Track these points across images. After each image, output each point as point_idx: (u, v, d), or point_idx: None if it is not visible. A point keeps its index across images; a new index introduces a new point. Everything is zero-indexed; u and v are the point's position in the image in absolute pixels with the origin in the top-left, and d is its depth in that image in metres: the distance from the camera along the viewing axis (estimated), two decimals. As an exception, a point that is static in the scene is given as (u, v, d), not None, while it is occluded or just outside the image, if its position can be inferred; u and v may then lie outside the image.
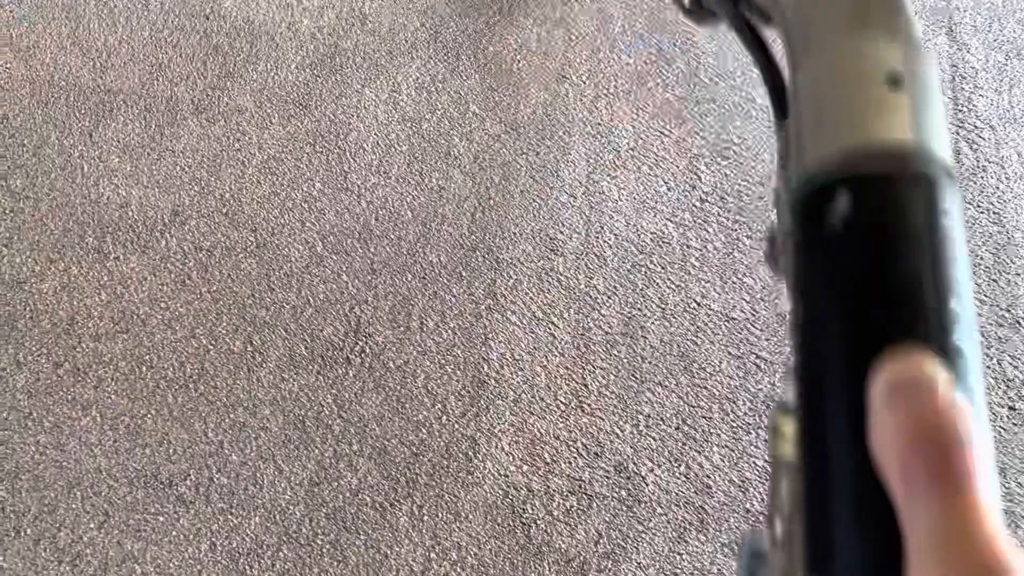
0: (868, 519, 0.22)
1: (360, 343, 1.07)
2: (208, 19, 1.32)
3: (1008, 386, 1.07)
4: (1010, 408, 1.06)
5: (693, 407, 1.04)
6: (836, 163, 0.27)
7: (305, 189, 1.18)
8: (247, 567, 0.94)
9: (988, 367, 1.08)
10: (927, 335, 0.24)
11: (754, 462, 1.01)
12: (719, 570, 0.96)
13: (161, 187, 1.17)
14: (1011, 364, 1.08)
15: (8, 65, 1.27)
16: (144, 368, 1.04)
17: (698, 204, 1.19)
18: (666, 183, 1.20)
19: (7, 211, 1.15)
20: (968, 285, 0.25)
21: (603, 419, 1.03)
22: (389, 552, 0.95)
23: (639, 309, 1.11)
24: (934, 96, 0.28)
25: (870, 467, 0.22)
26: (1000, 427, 1.04)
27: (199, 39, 1.30)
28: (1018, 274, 1.14)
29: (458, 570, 0.94)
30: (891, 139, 0.27)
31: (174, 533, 0.95)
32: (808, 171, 0.28)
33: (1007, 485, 1.01)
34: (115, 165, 1.19)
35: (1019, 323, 1.11)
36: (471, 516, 0.97)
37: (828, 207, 0.26)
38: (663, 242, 1.16)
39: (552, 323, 1.10)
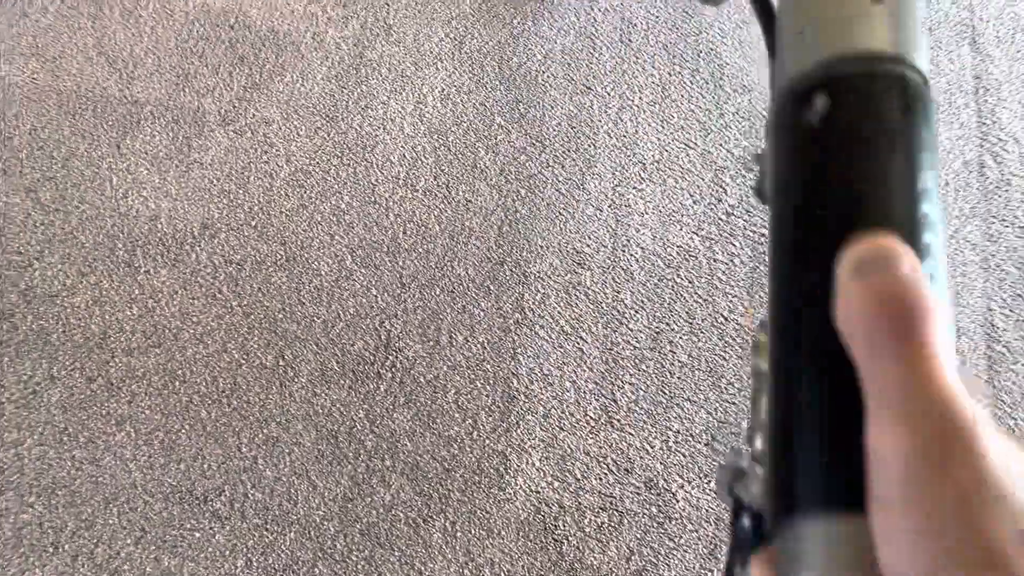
0: (832, 392, 0.23)
1: (391, 358, 1.08)
2: (233, 29, 1.32)
3: (1034, 402, 1.08)
4: (1036, 424, 1.06)
5: (722, 423, 1.05)
6: (816, 69, 0.28)
7: (333, 202, 1.18)
8: (283, 583, 0.95)
9: (1015, 384, 1.08)
10: (896, 224, 0.25)
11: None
12: (749, 586, 0.97)
13: (190, 199, 1.18)
14: (1037, 380, 1.08)
15: (35, 75, 1.27)
16: (177, 383, 1.05)
17: (724, 217, 1.19)
18: (692, 196, 1.21)
19: (37, 224, 1.15)
20: (937, 191, 0.26)
21: (633, 435, 1.04)
22: (423, 569, 0.96)
23: (667, 323, 1.12)
24: (913, 8, 0.29)
25: (836, 341, 0.23)
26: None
27: (225, 49, 1.31)
28: (1043, 289, 1.15)
29: (492, 586, 0.95)
30: (869, 45, 0.28)
31: (210, 549, 0.96)
32: (790, 79, 0.29)
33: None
34: (143, 177, 1.19)
35: (1044, 338, 1.12)
36: (503, 532, 0.98)
37: (807, 108, 0.28)
38: (690, 256, 1.16)
39: (580, 337, 1.11)
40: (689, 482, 1.01)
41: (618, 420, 1.05)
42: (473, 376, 1.07)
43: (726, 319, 1.12)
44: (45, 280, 1.12)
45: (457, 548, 0.97)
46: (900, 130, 0.27)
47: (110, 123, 1.24)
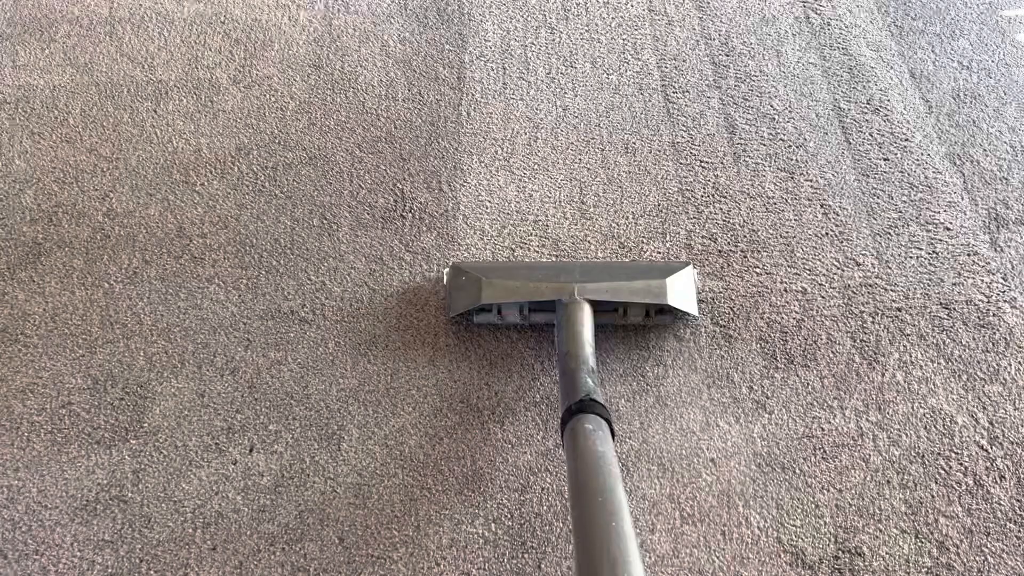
0: None
1: (407, 204, 1.39)
2: (224, 23, 1.67)
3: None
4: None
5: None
6: None
7: (335, 117, 1.52)
8: (368, 352, 1.22)
9: (864, 143, 1.47)
10: None
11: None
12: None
13: (222, 134, 1.49)
14: (876, 142, 1.48)
15: (74, 78, 1.58)
16: (247, 247, 1.34)
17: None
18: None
19: (104, 170, 1.44)
20: None
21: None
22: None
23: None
24: None
25: None
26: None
27: (222, 38, 1.65)
28: (869, 80, 1.57)
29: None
30: None
31: (305, 341, 1.23)
32: None
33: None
34: (181, 127, 1.50)
35: (877, 110, 1.52)
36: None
37: None
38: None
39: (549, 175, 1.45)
40: (651, 242, 1.35)
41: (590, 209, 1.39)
42: (475, 204, 1.39)
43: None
44: (121, 203, 1.40)
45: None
46: None
47: (144, 96, 1.55)
